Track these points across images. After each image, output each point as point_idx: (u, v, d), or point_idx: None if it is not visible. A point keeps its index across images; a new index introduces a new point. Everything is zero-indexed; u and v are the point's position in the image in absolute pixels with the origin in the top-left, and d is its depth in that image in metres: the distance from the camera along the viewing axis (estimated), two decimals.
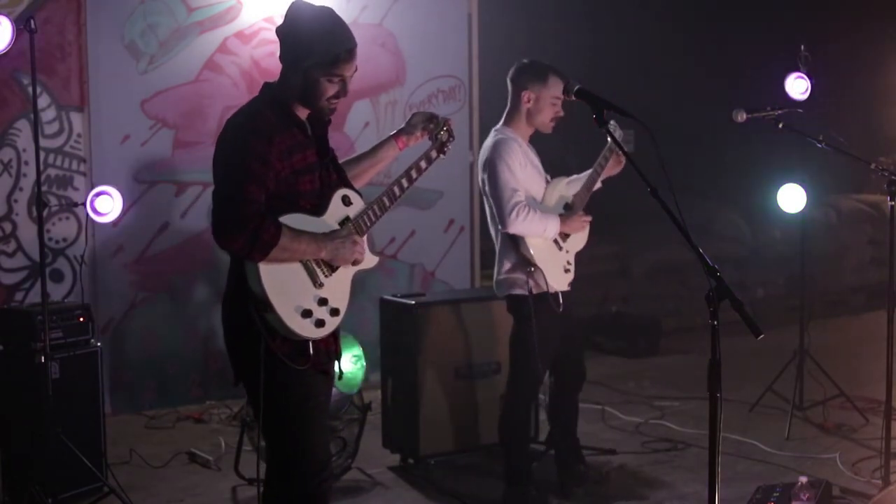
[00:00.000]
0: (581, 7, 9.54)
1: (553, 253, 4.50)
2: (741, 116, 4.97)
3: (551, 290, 4.45)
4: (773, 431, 5.73)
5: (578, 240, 4.62)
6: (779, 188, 5.98)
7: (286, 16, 3.11)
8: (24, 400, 4.51)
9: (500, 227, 4.46)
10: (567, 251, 4.56)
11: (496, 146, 4.47)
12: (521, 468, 4.59)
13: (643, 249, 9.00)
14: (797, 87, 6.05)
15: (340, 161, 3.38)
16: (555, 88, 4.44)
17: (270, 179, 3.00)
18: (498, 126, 4.60)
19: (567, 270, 4.57)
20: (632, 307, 8.86)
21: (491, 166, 4.44)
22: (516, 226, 4.36)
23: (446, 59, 7.34)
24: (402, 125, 3.53)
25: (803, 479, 4.20)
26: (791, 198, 5.94)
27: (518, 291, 4.48)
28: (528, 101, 4.50)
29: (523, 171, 4.45)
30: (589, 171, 4.58)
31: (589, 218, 4.57)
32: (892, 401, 4.55)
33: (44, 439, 4.33)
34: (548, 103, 4.48)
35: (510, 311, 4.60)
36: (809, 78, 5.99)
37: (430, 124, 3.49)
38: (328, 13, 3.11)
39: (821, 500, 4.15)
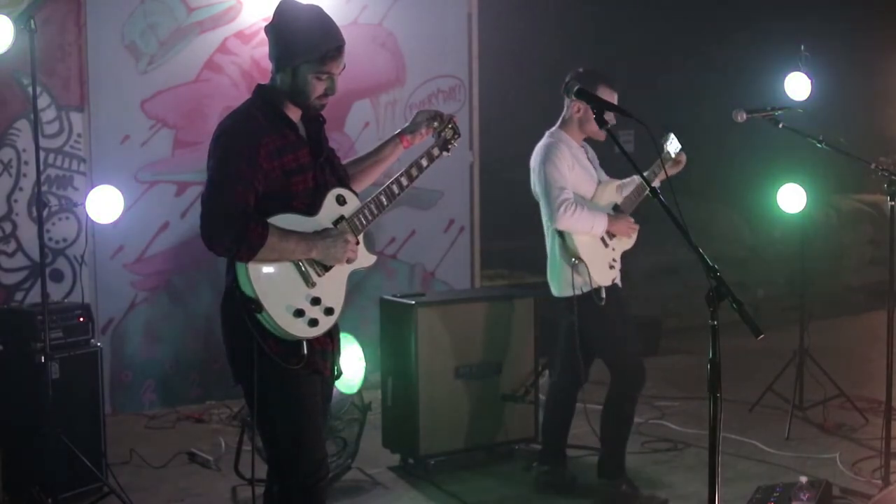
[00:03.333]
0: (581, 7, 9.55)
1: (599, 249, 4.60)
2: (741, 116, 4.97)
3: (594, 285, 4.53)
4: (773, 431, 5.73)
5: (626, 241, 4.72)
6: (779, 188, 5.98)
7: (275, 14, 3.12)
8: (24, 400, 4.51)
9: (550, 224, 4.57)
10: (613, 249, 4.66)
11: (544, 150, 4.60)
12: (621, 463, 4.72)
13: (643, 249, 8.98)
14: (797, 87, 6.05)
15: (344, 161, 3.38)
16: (605, 98, 4.45)
17: (259, 180, 3.00)
18: (552, 129, 4.70)
19: (612, 267, 4.65)
20: (632, 307, 8.84)
21: (539, 168, 4.58)
22: (564, 221, 4.47)
23: (446, 59, 7.34)
24: (407, 124, 3.53)
25: (803, 479, 4.20)
26: (791, 198, 5.94)
27: (568, 293, 4.58)
28: (578, 111, 4.63)
29: (571, 172, 4.57)
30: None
31: (636, 225, 4.69)
32: (892, 401, 4.55)
33: (44, 439, 4.32)
34: None
35: (560, 310, 4.70)
36: (809, 78, 6.00)
37: (435, 121, 3.48)
38: (316, 11, 3.11)
39: (821, 500, 4.15)
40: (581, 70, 4.58)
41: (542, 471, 4.89)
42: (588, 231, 4.52)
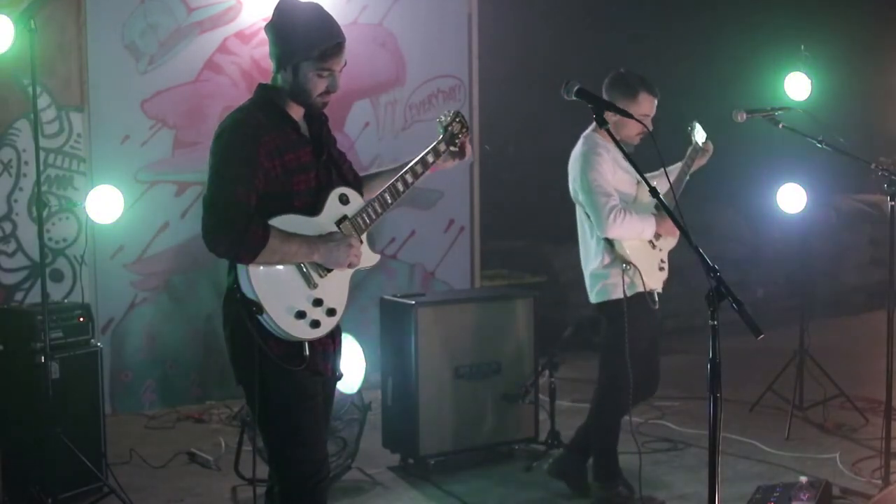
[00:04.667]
0: (580, 7, 9.54)
1: (648, 252, 4.51)
2: (741, 116, 4.97)
3: (647, 289, 4.45)
4: (773, 431, 5.73)
5: (670, 239, 4.61)
6: (779, 188, 5.98)
7: (274, 12, 3.11)
8: (24, 400, 4.51)
9: (598, 233, 4.44)
10: (661, 249, 4.57)
11: (584, 157, 4.47)
12: (614, 468, 4.64)
13: None
14: (797, 87, 6.05)
15: (363, 174, 3.36)
16: (645, 105, 4.43)
17: (259, 180, 2.98)
18: (587, 132, 4.58)
19: (661, 269, 4.57)
20: None
21: (582, 176, 4.45)
22: (615, 229, 4.36)
23: (446, 59, 7.34)
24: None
25: (803, 479, 4.20)
26: (791, 198, 5.94)
27: (615, 296, 4.45)
28: (615, 115, 4.51)
29: (614, 176, 4.46)
30: (677, 167, 4.58)
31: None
32: (892, 401, 4.55)
33: (44, 439, 4.32)
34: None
35: (604, 315, 4.56)
36: (809, 78, 5.99)
37: (441, 115, 3.41)
38: (316, 8, 3.10)
39: (821, 500, 4.15)
40: (622, 72, 4.50)
41: (561, 457, 4.79)
42: (638, 236, 4.42)
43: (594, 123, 4.54)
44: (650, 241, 4.51)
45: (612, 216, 4.34)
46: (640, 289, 4.45)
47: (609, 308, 4.50)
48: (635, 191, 4.57)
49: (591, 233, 4.54)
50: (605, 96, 4.52)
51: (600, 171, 4.41)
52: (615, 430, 4.65)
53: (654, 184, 4.56)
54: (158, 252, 6.40)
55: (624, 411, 4.58)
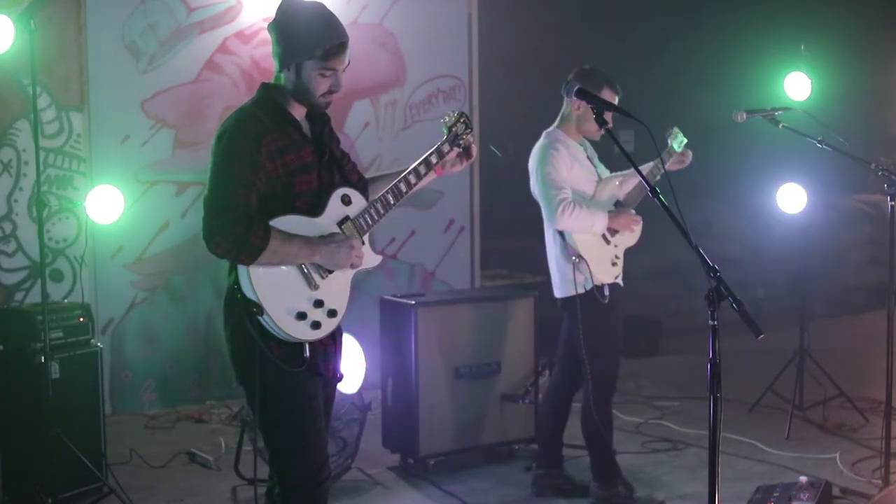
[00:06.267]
0: (580, 7, 9.55)
1: (600, 246, 4.56)
2: (741, 116, 4.97)
3: (597, 282, 4.50)
4: (773, 431, 5.73)
5: (628, 237, 4.68)
6: (779, 188, 5.98)
7: (277, 11, 3.10)
8: (24, 400, 4.51)
9: (550, 225, 4.55)
10: (616, 246, 4.63)
11: (542, 151, 4.57)
12: (613, 468, 4.67)
13: (643, 249, 8.97)
14: (797, 87, 6.05)
15: (369, 175, 3.35)
16: (606, 99, 4.47)
17: (261, 180, 2.97)
18: (549, 129, 4.67)
19: (615, 264, 4.62)
20: (632, 307, 8.84)
21: (538, 168, 4.55)
22: (563, 221, 4.44)
23: (446, 59, 7.35)
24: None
25: (803, 479, 4.20)
26: (791, 198, 5.94)
27: (570, 292, 4.54)
28: (578, 109, 4.60)
29: (571, 172, 4.54)
30: (648, 165, 4.62)
31: (638, 218, 4.64)
32: (893, 401, 4.55)
33: (44, 439, 4.32)
34: None
35: (566, 311, 4.66)
36: (809, 78, 5.99)
37: (445, 116, 3.40)
38: (319, 7, 3.09)
39: (821, 500, 4.15)
40: (587, 68, 4.57)
41: (539, 473, 4.88)
42: (588, 230, 4.49)
43: (557, 120, 4.64)
44: (604, 236, 4.57)
45: (560, 208, 4.41)
46: (591, 283, 4.50)
47: (567, 303, 4.60)
48: (593, 189, 4.62)
49: (547, 228, 4.63)
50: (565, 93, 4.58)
51: (555, 165, 4.49)
52: (610, 426, 4.68)
53: (617, 182, 4.66)
54: (158, 252, 6.40)
55: (569, 407, 4.78)
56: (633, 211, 4.62)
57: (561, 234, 4.54)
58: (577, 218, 4.44)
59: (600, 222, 4.50)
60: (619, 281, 4.64)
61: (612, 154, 4.29)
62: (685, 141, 4.64)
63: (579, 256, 4.48)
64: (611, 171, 4.80)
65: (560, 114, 4.69)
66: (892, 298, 4.52)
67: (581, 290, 4.50)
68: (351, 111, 6.94)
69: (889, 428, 4.57)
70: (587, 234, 4.51)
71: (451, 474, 5.12)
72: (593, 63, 4.61)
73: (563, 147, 4.55)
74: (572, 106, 4.59)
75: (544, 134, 4.67)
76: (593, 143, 4.79)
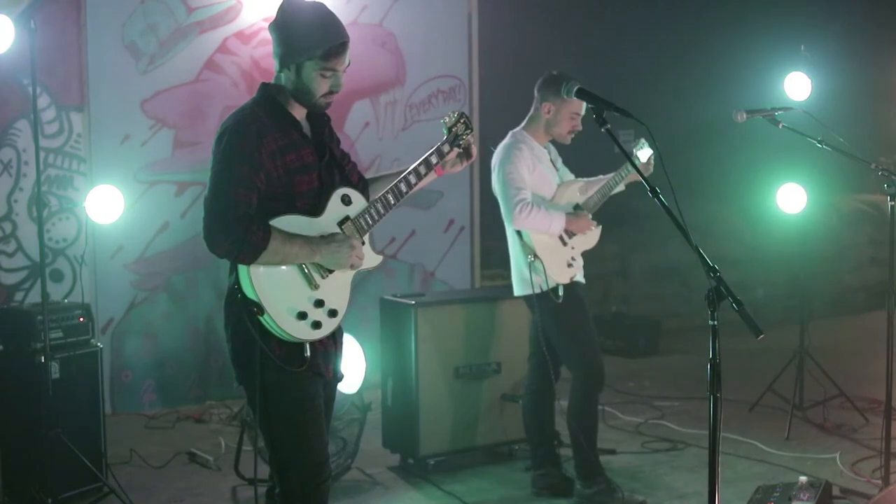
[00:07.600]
0: (581, 7, 9.55)
1: (557, 247, 4.61)
2: (741, 116, 4.96)
3: (551, 283, 4.54)
4: (773, 431, 5.73)
5: (586, 239, 4.73)
6: (779, 188, 5.98)
7: (278, 12, 3.10)
8: (24, 400, 4.51)
9: (508, 223, 4.60)
10: (573, 247, 4.67)
11: (505, 150, 4.64)
12: (596, 466, 4.68)
13: (643, 249, 9.00)
14: (797, 87, 6.04)
15: (369, 175, 3.35)
16: (575, 104, 4.56)
17: (261, 180, 2.97)
18: (516, 129, 4.73)
19: (570, 265, 4.66)
20: (632, 307, 8.85)
21: (499, 167, 4.61)
22: (520, 221, 4.50)
23: (446, 59, 7.35)
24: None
25: (803, 479, 4.20)
26: (791, 198, 5.94)
27: (527, 291, 4.61)
28: (548, 112, 4.64)
29: (532, 174, 4.59)
30: (609, 176, 4.69)
31: (594, 222, 4.69)
32: (893, 401, 4.54)
33: (44, 439, 4.32)
34: (566, 117, 4.63)
35: (529, 309, 4.72)
36: (809, 78, 5.99)
37: (445, 116, 3.40)
38: (319, 7, 3.09)
39: (821, 500, 4.15)
40: (555, 73, 4.64)
41: (538, 474, 4.86)
42: (545, 230, 4.54)
43: (525, 121, 4.70)
44: (561, 238, 4.61)
45: (518, 208, 4.47)
46: (547, 283, 4.54)
47: (527, 302, 4.66)
48: (552, 192, 4.67)
49: (507, 227, 4.68)
50: (537, 94, 4.63)
51: (516, 164, 4.55)
52: (595, 425, 4.71)
53: (578, 186, 4.68)
54: (158, 252, 6.40)
55: (551, 405, 4.80)
56: (590, 216, 4.66)
57: (519, 233, 4.59)
58: (535, 218, 4.49)
59: (557, 223, 4.55)
60: (580, 279, 4.69)
61: (612, 154, 4.30)
62: (651, 153, 4.67)
63: (535, 256, 4.54)
64: (591, 174, 4.82)
65: (528, 115, 4.73)
66: (892, 298, 4.51)
67: (538, 290, 4.54)
68: (351, 111, 6.94)
69: (889, 428, 4.56)
70: (545, 234, 4.56)
71: (451, 474, 5.13)
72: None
73: (526, 148, 4.61)
74: (542, 109, 4.64)
75: (510, 133, 4.73)
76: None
